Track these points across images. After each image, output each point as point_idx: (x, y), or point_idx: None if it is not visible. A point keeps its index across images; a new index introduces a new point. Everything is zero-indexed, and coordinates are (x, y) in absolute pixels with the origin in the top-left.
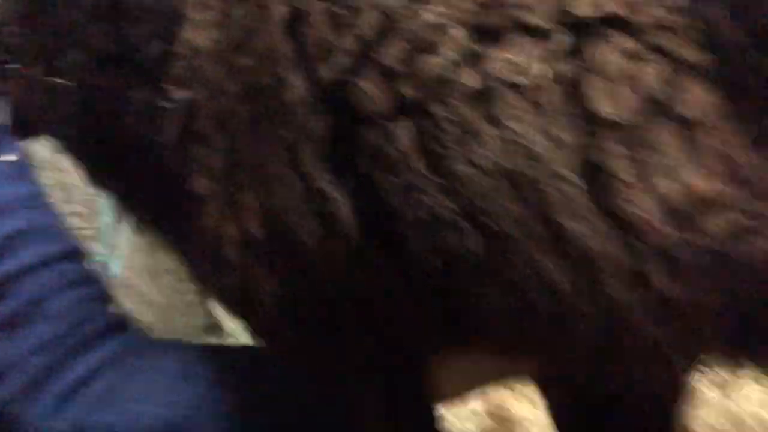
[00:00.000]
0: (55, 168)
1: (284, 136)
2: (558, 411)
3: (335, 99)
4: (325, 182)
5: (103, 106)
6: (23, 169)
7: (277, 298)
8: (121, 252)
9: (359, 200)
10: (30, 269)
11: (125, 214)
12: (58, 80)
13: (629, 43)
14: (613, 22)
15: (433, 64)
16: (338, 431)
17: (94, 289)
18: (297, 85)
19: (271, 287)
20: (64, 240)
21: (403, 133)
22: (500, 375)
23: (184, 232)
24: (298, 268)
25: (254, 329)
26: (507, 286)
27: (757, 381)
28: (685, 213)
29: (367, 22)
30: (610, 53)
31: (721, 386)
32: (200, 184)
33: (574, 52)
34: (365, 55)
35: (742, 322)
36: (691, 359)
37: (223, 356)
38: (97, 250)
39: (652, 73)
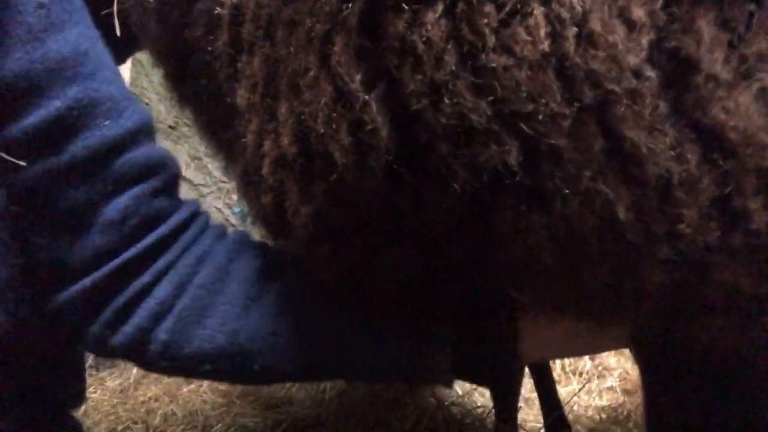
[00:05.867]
0: None
1: (318, 29)
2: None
3: None
4: (355, 82)
5: (174, 18)
6: (63, 12)
7: (311, 225)
8: None
9: (390, 107)
10: (81, 167)
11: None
12: None
13: None
14: None
15: None
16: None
17: (157, 179)
18: None
19: (305, 213)
20: (121, 119)
21: (434, 18)
22: (591, 340)
23: (232, 146)
24: (329, 186)
25: (290, 252)
26: (553, 212)
27: None
28: None
29: None
30: None
31: None
32: (243, 98)
33: None
34: None
35: None
36: None
37: (290, 282)
38: (237, 202)
39: None
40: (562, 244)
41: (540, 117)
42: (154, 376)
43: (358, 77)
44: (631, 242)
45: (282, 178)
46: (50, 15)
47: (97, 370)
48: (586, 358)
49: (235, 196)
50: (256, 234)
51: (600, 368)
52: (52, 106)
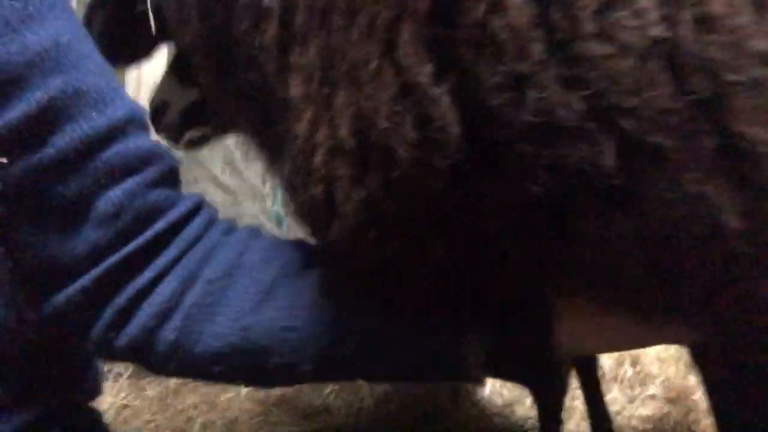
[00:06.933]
0: None
1: (382, 16)
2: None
3: None
4: (424, 75)
5: (217, 11)
6: (42, 3)
7: (361, 212)
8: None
9: (462, 102)
10: (67, 161)
11: (236, 128)
12: None
13: None
14: None
15: None
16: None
17: (153, 170)
18: None
19: (356, 199)
20: (108, 109)
21: (519, 1)
22: (640, 335)
23: (279, 142)
24: (387, 181)
25: (333, 246)
26: (650, 219)
27: None
28: None
29: None
30: None
31: None
32: (296, 89)
33: None
34: None
35: None
36: None
37: (307, 277)
38: (272, 207)
39: None
40: (655, 253)
41: (644, 113)
42: (192, 384)
43: (427, 69)
44: (739, 253)
45: (335, 167)
46: (27, 8)
47: (137, 378)
48: (627, 365)
49: (270, 202)
50: (294, 236)
51: (641, 375)
52: (34, 98)
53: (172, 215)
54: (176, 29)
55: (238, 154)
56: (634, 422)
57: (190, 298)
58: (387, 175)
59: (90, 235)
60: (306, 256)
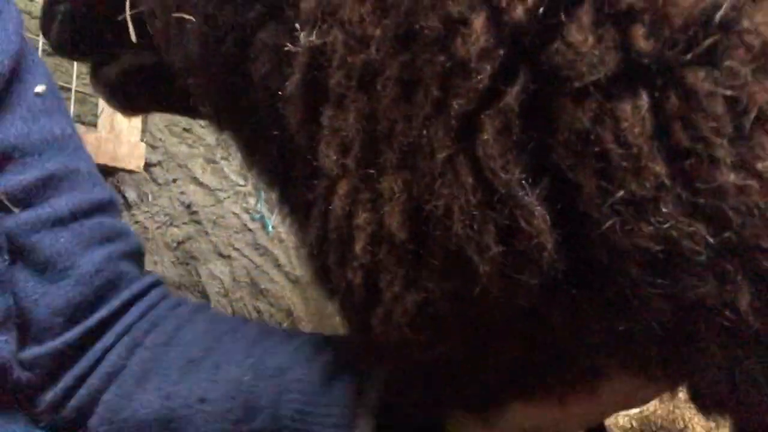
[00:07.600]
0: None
1: (453, 104)
2: None
3: (531, 51)
4: (513, 180)
5: (227, 47)
6: (53, 103)
7: (415, 314)
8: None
9: (556, 211)
10: (61, 220)
11: (249, 168)
12: (184, 15)
13: None
14: None
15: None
16: None
17: (123, 244)
18: (477, 29)
19: (410, 300)
20: (95, 189)
21: (633, 112)
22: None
23: (306, 209)
24: (456, 291)
25: (368, 337)
26: None
27: None
28: None
29: None
30: None
31: None
32: (329, 158)
33: None
34: None
35: None
36: None
37: (235, 352)
38: (256, 207)
39: None
40: None
41: None
42: None
43: (516, 173)
44: None
45: (381, 259)
46: (45, 102)
47: None
48: None
49: (252, 201)
50: (283, 251)
51: None
52: (45, 167)
53: (135, 288)
54: (166, 48)
55: (219, 152)
56: (621, 420)
57: (130, 364)
58: (457, 286)
59: (69, 291)
60: (245, 333)
